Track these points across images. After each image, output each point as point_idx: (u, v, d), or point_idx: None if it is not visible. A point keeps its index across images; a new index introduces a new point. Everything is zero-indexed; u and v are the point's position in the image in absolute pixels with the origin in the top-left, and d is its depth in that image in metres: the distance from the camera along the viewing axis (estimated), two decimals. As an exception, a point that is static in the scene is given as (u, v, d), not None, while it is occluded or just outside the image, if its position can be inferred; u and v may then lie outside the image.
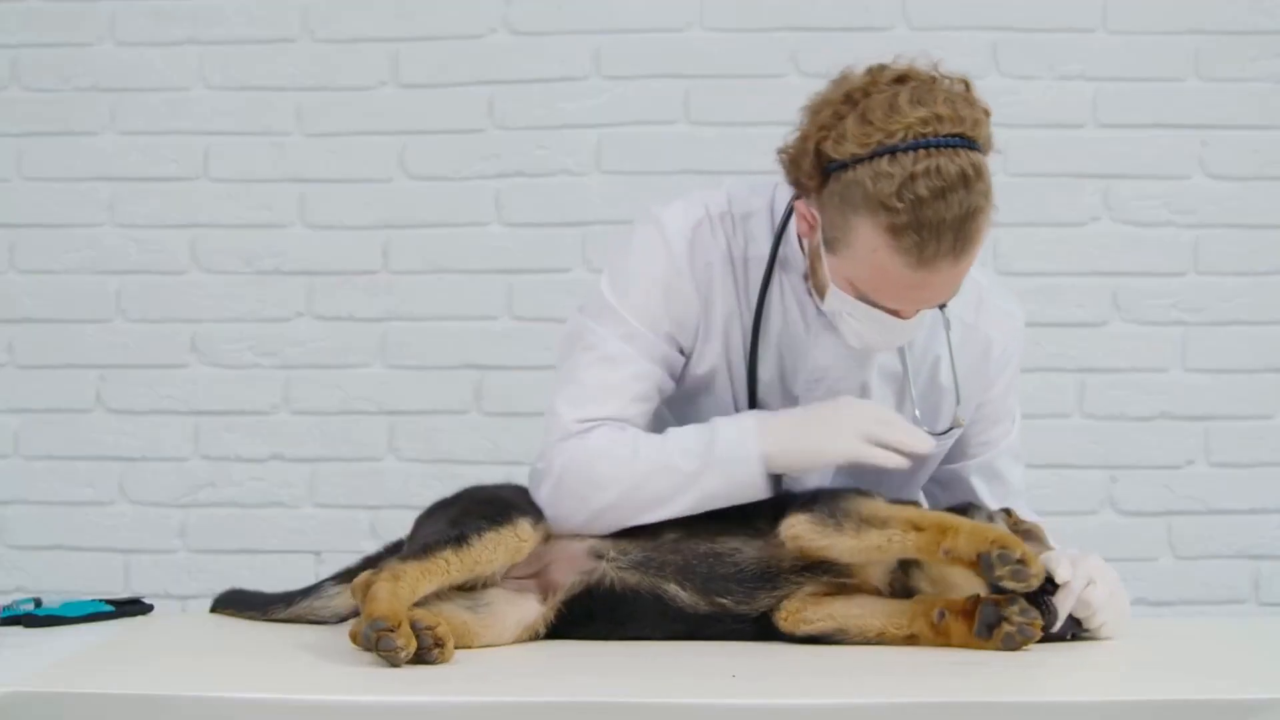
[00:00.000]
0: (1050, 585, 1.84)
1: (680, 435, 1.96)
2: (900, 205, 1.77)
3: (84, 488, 3.16)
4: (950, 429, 2.05)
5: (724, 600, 1.90)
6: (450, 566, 1.83)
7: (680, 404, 2.08)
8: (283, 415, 3.16)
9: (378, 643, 1.67)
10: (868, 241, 1.81)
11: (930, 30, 3.09)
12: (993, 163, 1.84)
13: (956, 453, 2.14)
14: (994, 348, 2.10)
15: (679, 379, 2.05)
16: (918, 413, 2.02)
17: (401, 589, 1.76)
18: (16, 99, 3.18)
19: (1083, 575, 1.85)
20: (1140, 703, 1.54)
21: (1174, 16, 3.10)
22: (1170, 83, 3.11)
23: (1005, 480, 2.17)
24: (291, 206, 3.17)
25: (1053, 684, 1.68)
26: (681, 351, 2.03)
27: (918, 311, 1.90)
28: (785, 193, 2.02)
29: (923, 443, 1.93)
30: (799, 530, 1.88)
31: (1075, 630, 1.89)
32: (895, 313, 1.88)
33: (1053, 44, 3.11)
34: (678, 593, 1.90)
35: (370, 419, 3.15)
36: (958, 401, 2.04)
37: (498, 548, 1.87)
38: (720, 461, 1.92)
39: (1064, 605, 1.84)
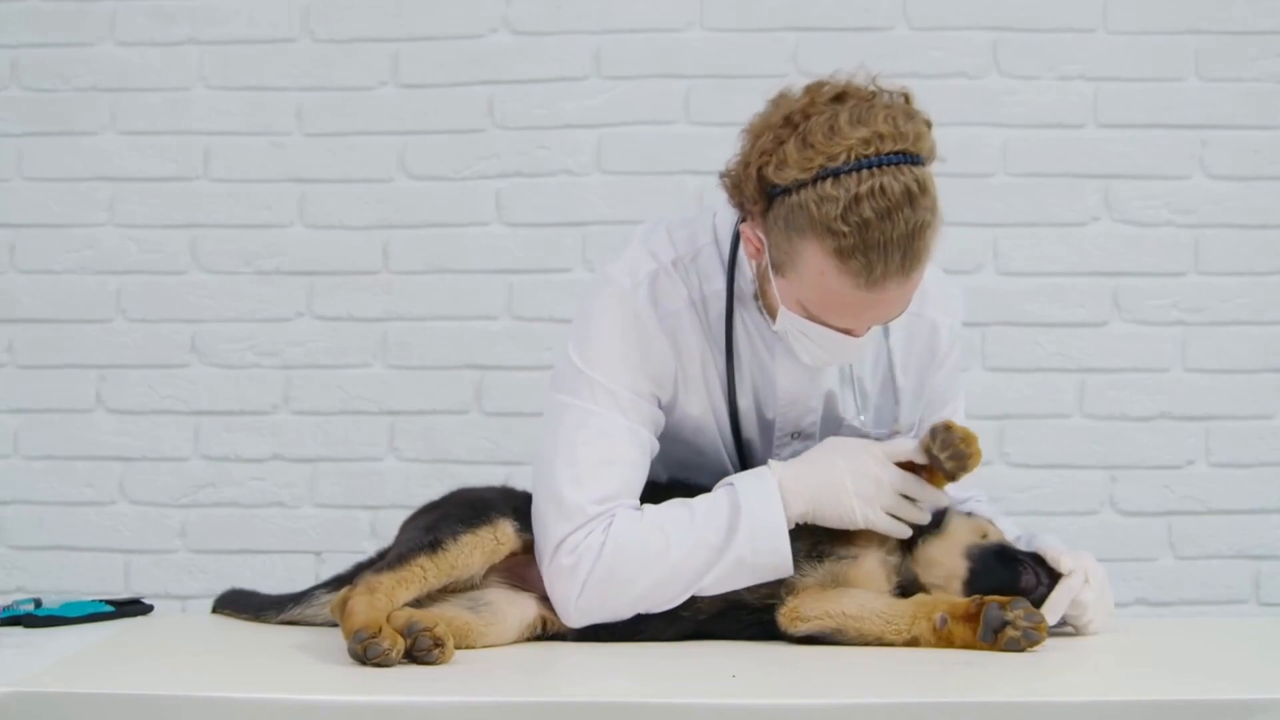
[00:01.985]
0: (1047, 574, 1.88)
1: (705, 509, 1.92)
2: (846, 229, 1.76)
3: (84, 488, 3.16)
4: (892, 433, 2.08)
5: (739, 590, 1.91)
6: (426, 573, 1.84)
7: (672, 445, 2.05)
8: (283, 415, 3.16)
9: (365, 651, 1.69)
10: (815, 265, 1.81)
11: (930, 30, 3.09)
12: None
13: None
14: (940, 330, 2.12)
15: (665, 426, 2.03)
16: (862, 418, 2.05)
17: (378, 600, 1.77)
18: (16, 99, 3.18)
19: (1080, 572, 1.88)
20: (1140, 703, 1.54)
21: (1174, 16, 3.10)
22: (1170, 83, 3.11)
23: None
24: (291, 206, 3.17)
25: (1053, 684, 1.68)
26: (660, 405, 2.01)
27: (869, 329, 1.91)
28: (725, 223, 2.03)
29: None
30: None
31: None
32: (847, 331, 1.88)
33: (1053, 44, 3.11)
34: None
35: (370, 419, 3.15)
36: (896, 402, 2.06)
37: (474, 551, 1.88)
38: (746, 529, 1.89)
39: (1063, 597, 1.87)
